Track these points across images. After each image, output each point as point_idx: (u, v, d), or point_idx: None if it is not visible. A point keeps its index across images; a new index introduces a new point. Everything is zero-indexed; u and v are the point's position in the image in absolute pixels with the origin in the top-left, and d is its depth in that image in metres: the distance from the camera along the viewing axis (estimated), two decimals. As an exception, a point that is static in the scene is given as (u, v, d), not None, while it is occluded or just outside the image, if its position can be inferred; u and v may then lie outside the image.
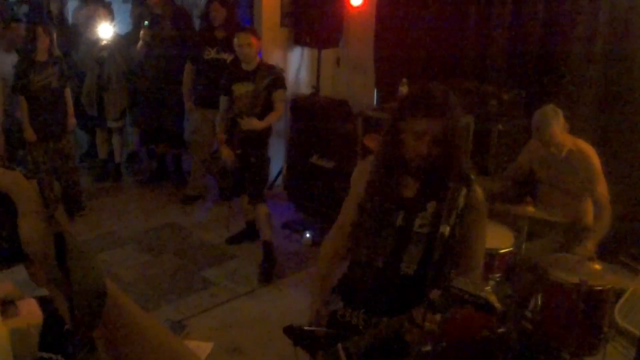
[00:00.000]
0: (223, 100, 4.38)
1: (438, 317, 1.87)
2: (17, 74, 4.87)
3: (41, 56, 4.86)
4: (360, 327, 2.15)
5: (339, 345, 2.09)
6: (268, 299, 4.10)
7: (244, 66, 4.26)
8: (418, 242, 2.05)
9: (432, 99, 1.97)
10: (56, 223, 0.65)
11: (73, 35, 5.90)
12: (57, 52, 5.04)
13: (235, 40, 4.25)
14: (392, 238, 2.08)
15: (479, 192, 2.07)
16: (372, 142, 4.08)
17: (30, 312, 1.66)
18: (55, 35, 5.00)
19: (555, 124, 3.35)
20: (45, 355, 0.60)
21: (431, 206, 2.05)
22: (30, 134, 4.87)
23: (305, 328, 2.28)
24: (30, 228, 0.64)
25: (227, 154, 4.32)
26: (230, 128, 4.32)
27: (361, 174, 2.22)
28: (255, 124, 4.17)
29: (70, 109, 5.10)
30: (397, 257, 2.09)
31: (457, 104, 2.04)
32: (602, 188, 3.39)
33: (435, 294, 1.84)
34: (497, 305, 1.75)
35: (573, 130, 3.52)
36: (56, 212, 0.66)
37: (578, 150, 3.41)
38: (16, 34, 5.12)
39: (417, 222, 2.06)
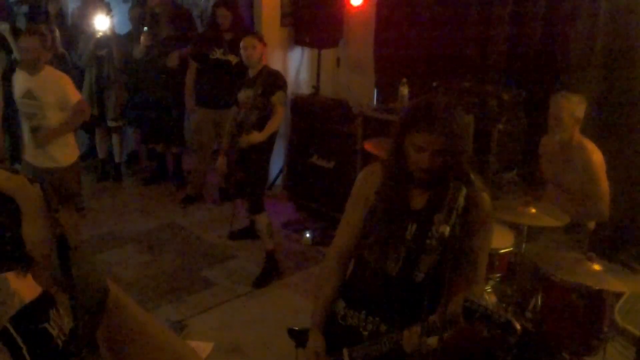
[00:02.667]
0: (233, 111, 4.35)
1: (435, 340, 1.88)
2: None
3: None
4: (361, 329, 2.15)
5: (345, 351, 2.08)
6: (268, 299, 4.10)
7: (249, 72, 4.23)
8: (430, 252, 2.05)
9: (434, 113, 1.97)
10: (59, 225, 0.66)
11: (72, 36, 5.90)
12: (61, 50, 5.03)
13: (242, 43, 4.23)
14: (404, 249, 2.08)
15: (486, 199, 2.06)
16: (372, 147, 4.07)
17: (25, 288, 1.65)
18: (58, 34, 5.00)
19: (569, 108, 3.39)
20: (10, 329, 0.60)
21: (438, 219, 2.05)
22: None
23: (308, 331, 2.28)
24: (34, 231, 0.65)
25: (220, 165, 4.32)
26: (234, 136, 4.27)
27: (364, 185, 2.21)
28: (252, 139, 4.06)
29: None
30: (410, 267, 2.08)
31: (459, 115, 2.03)
32: (603, 189, 3.39)
33: (432, 318, 1.88)
34: (518, 327, 1.73)
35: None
36: (58, 214, 0.66)
37: (579, 146, 3.42)
38: None
39: (428, 235, 2.06)
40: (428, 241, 2.04)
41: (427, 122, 1.96)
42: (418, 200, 2.11)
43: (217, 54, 5.14)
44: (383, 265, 2.10)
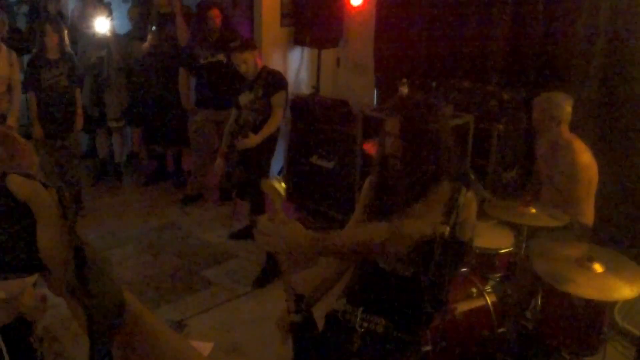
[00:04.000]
0: (233, 113, 4.36)
1: None
2: (28, 71, 4.88)
3: (52, 54, 4.87)
4: (356, 326, 2.17)
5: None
6: (268, 299, 4.09)
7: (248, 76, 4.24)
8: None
9: (403, 103, 2.18)
10: (75, 235, 0.64)
11: (72, 36, 5.89)
12: (68, 49, 5.04)
13: (232, 59, 4.23)
14: None
15: (472, 197, 2.09)
16: (372, 148, 4.07)
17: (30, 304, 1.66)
18: (66, 33, 5.01)
19: (543, 110, 3.43)
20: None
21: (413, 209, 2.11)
22: (38, 131, 4.89)
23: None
24: (49, 238, 0.63)
25: (218, 167, 4.32)
26: (234, 138, 4.27)
27: (367, 190, 2.31)
28: (248, 142, 4.05)
29: (79, 109, 5.10)
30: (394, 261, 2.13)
31: (429, 113, 2.10)
32: (580, 192, 3.36)
33: None
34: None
35: (574, 129, 3.52)
36: (75, 223, 0.65)
37: (567, 146, 3.39)
38: None
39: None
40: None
41: (394, 110, 2.15)
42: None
43: (207, 57, 5.16)
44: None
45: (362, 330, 2.15)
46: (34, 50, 5.04)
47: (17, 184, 0.63)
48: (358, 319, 2.17)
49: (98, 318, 0.63)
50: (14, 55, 4.84)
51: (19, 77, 4.80)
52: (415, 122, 2.07)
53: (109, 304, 0.64)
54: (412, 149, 2.05)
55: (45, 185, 0.65)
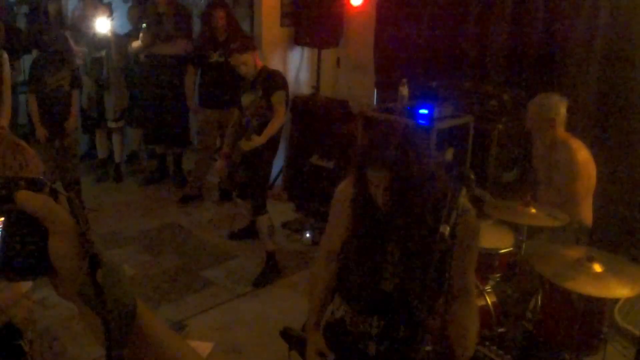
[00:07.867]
0: (236, 113, 4.36)
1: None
2: (31, 73, 4.88)
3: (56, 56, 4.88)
4: (374, 334, 2.14)
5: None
6: (268, 299, 4.10)
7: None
8: (418, 270, 2.07)
9: (384, 150, 1.96)
10: (89, 243, 0.65)
11: (73, 36, 5.89)
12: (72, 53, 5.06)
13: (230, 60, 4.23)
14: (391, 269, 2.10)
15: (473, 216, 2.07)
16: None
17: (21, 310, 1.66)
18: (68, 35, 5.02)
19: (535, 113, 3.42)
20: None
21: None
22: (41, 133, 4.90)
23: (302, 335, 2.29)
24: (61, 248, 0.64)
25: (219, 169, 4.32)
26: (237, 139, 4.27)
27: (345, 197, 2.21)
28: (252, 143, 4.05)
29: (74, 109, 5.11)
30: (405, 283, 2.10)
31: (418, 149, 1.99)
32: (579, 190, 3.36)
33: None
34: None
35: (573, 130, 3.52)
36: (88, 231, 0.65)
37: (564, 145, 3.39)
38: None
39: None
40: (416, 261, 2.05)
41: (375, 161, 1.97)
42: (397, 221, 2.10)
43: (215, 57, 5.17)
44: (374, 284, 2.12)
45: (376, 335, 2.13)
46: (36, 52, 5.04)
47: (26, 200, 0.64)
48: (375, 327, 2.14)
49: (114, 324, 0.63)
50: (3, 54, 4.80)
51: (9, 76, 4.75)
52: (411, 172, 1.94)
53: (123, 310, 0.65)
54: (403, 199, 1.98)
55: (55, 193, 0.65)
